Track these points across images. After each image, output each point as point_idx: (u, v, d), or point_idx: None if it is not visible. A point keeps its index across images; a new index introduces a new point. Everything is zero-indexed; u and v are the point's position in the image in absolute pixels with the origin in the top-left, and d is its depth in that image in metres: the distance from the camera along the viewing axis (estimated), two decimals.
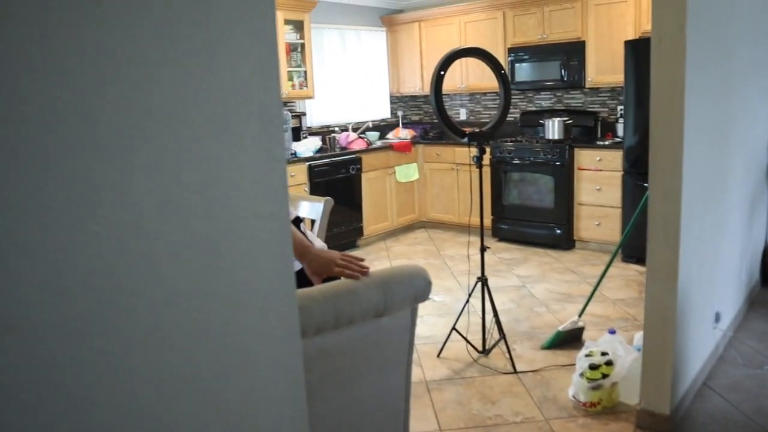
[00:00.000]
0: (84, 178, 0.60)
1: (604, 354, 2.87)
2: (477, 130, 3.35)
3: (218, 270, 0.73)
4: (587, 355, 2.88)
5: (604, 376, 2.76)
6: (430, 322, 3.98)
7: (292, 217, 2.33)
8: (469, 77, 6.32)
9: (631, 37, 5.08)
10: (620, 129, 5.38)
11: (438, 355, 3.46)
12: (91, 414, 0.63)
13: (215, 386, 0.75)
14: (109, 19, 0.61)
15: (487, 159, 5.64)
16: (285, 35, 5.56)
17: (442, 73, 3.20)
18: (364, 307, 1.56)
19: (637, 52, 4.72)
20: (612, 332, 3.04)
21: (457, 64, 5.93)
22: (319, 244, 2.29)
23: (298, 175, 5.35)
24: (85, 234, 0.59)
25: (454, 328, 3.46)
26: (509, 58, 5.92)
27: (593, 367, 2.78)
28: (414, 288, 1.67)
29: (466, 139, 3.30)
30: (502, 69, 3.36)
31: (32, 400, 0.58)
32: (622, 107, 5.32)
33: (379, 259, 5.62)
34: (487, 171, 5.78)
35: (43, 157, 0.57)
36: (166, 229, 0.66)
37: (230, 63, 0.72)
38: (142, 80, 0.64)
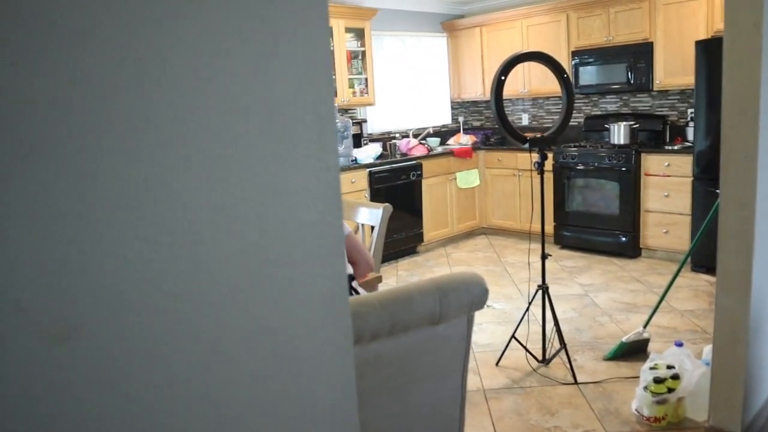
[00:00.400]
0: (139, 188, 0.62)
1: (670, 367, 2.76)
2: (539, 135, 3.30)
3: (269, 277, 0.74)
4: (652, 368, 2.78)
5: (670, 390, 2.66)
6: (490, 329, 3.93)
7: (349, 270, 2.32)
8: (532, 81, 6.22)
9: (702, 36, 4.89)
10: (690, 133, 5.17)
11: (497, 364, 3.42)
12: (143, 414, 0.65)
13: (264, 392, 0.77)
14: (164, 33, 0.63)
15: (549, 165, 5.55)
16: (346, 43, 5.63)
17: (503, 78, 3.16)
18: (419, 314, 1.55)
19: (710, 52, 4.54)
20: (679, 345, 2.92)
21: (520, 69, 5.86)
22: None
23: (359, 181, 5.39)
24: (140, 241, 0.62)
25: (513, 337, 3.41)
26: (573, 62, 5.79)
27: (658, 381, 2.67)
28: (470, 295, 1.65)
29: (527, 145, 3.25)
30: (565, 73, 3.29)
31: (91, 398, 0.61)
32: (692, 110, 5.12)
33: (439, 265, 5.60)
34: (549, 177, 5.67)
35: (101, 169, 0.59)
36: (218, 237, 0.69)
37: (283, 73, 0.73)
38: (196, 91, 0.66)
